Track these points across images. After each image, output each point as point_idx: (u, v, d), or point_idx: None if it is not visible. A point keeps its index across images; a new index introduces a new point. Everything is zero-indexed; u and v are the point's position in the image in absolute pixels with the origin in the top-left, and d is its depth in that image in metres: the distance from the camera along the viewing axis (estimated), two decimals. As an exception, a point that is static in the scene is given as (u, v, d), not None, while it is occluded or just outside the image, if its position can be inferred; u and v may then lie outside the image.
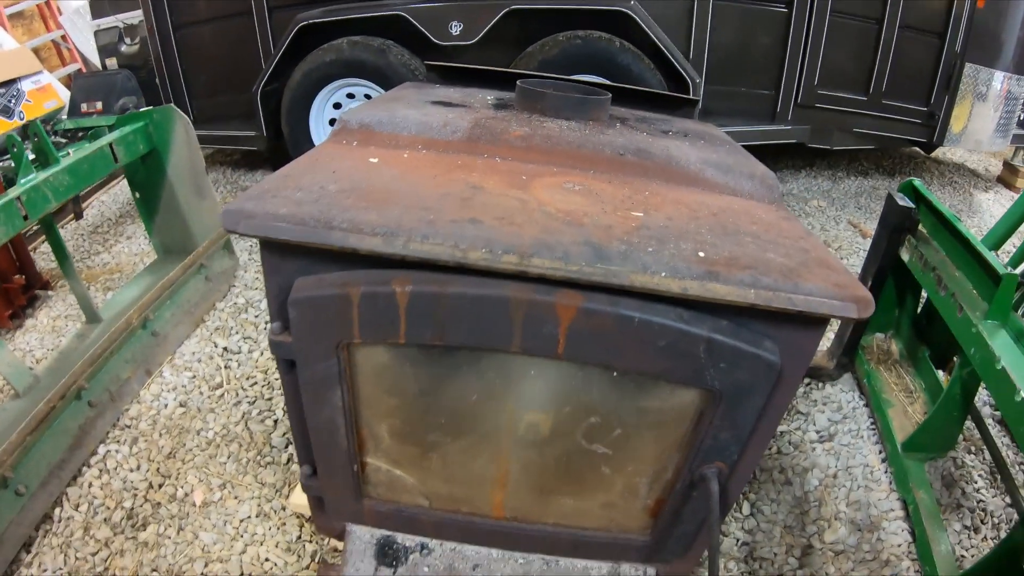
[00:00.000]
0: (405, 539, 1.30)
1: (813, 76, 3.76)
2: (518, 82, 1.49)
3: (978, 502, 1.89)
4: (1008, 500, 1.89)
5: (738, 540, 1.78)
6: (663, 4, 3.50)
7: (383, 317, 0.89)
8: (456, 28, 3.37)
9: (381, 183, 1.00)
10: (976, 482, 1.95)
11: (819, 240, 1.08)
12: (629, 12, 3.24)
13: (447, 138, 1.28)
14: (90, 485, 1.88)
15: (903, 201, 2.04)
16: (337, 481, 1.16)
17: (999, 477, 1.96)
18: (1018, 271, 1.94)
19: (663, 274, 0.82)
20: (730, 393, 0.94)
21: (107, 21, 5.14)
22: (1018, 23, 3.86)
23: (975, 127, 3.99)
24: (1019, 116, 4.48)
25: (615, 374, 0.96)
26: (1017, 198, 2.30)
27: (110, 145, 2.30)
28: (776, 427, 1.06)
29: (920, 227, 2.03)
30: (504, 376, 1.01)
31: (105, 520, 1.78)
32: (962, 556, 1.74)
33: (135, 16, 4.98)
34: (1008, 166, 4.85)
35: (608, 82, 3.21)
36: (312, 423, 1.05)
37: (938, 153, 5.30)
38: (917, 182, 2.06)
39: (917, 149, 5.05)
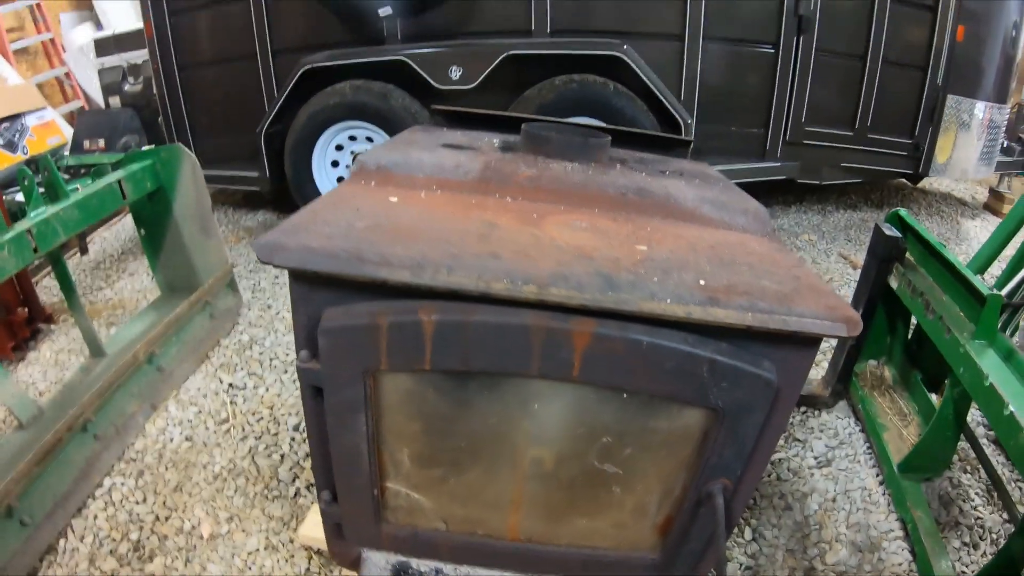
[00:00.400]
0: (420, 564, 1.33)
1: (800, 114, 3.91)
2: (523, 126, 1.58)
3: (976, 519, 1.93)
4: (1005, 516, 1.94)
5: (741, 564, 1.81)
6: (655, 47, 3.65)
7: (410, 345, 0.95)
8: (456, 73, 3.50)
9: (403, 220, 1.07)
10: (973, 500, 2.00)
11: (810, 269, 1.16)
12: (622, 56, 3.38)
13: (460, 179, 1.36)
14: (95, 517, 1.90)
15: (890, 231, 2.12)
16: (357, 506, 1.20)
17: (995, 494, 2.01)
18: (1003, 293, 2.02)
19: (668, 301, 0.89)
20: (732, 411, 1.00)
21: (111, 60, 5.29)
22: (997, 54, 4.04)
23: (960, 156, 4.13)
24: (1002, 143, 4.64)
25: (625, 396, 1.02)
26: (1000, 223, 2.39)
27: (119, 182, 2.36)
28: (776, 443, 1.11)
29: (907, 255, 2.11)
30: (521, 400, 1.07)
31: (111, 552, 1.79)
32: (962, 572, 1.78)
33: (139, 56, 5.13)
34: (994, 193, 4.99)
35: (603, 124, 3.33)
36: (336, 448, 1.10)
37: (925, 184, 5.46)
38: (903, 212, 2.15)
39: (904, 181, 5.20)
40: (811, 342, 1.01)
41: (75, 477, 1.91)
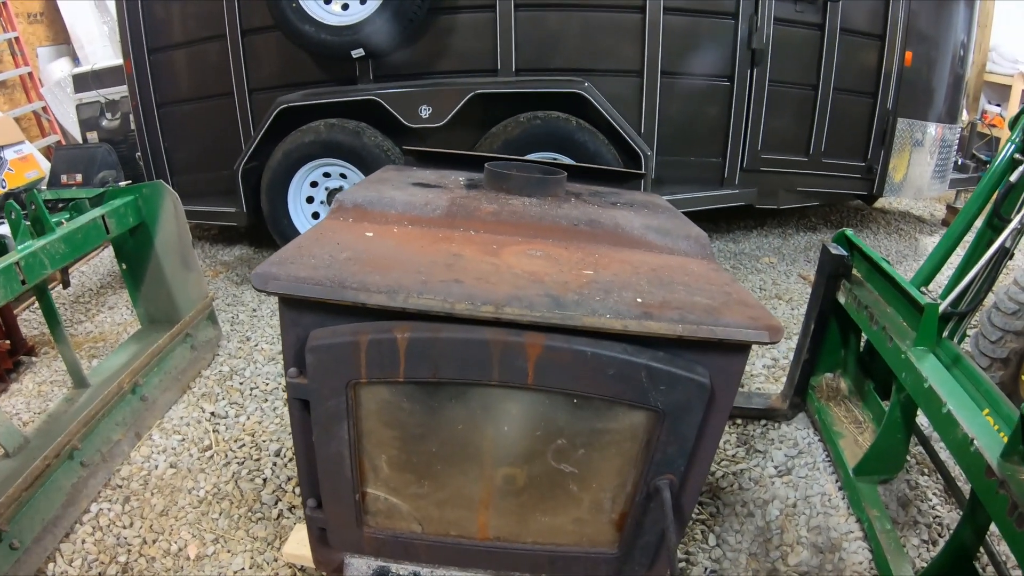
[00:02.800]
0: (399, 568, 1.44)
1: (757, 142, 4.12)
2: (486, 165, 1.74)
3: (934, 518, 2.04)
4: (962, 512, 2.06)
5: (706, 568, 1.90)
6: (615, 83, 3.84)
7: (386, 359, 1.08)
8: (425, 111, 3.66)
9: (379, 252, 1.21)
10: (931, 499, 2.11)
11: (742, 286, 1.32)
12: (584, 93, 3.57)
13: (428, 215, 1.51)
14: (83, 541, 1.94)
15: (836, 250, 2.26)
16: (340, 511, 1.32)
17: (951, 492, 2.12)
18: (947, 302, 2.16)
19: (608, 316, 1.04)
20: (671, 411, 1.15)
21: (89, 95, 5.36)
22: (945, 75, 4.31)
23: (914, 176, 4.36)
24: (956, 161, 4.88)
25: (575, 401, 1.16)
26: (943, 235, 2.53)
27: (102, 217, 2.44)
28: (717, 441, 1.26)
29: (854, 272, 2.25)
30: (485, 408, 1.21)
31: (99, 575, 1.85)
32: (921, 567, 1.87)
33: (117, 92, 5.20)
34: (951, 209, 5.19)
35: (567, 158, 3.51)
36: (321, 456, 1.22)
37: (884, 203, 5.67)
38: (849, 232, 2.29)
39: (861, 202, 5.42)
40: (740, 349, 1.16)
41: (63, 503, 1.96)
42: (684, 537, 1.99)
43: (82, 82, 5.42)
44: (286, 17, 3.50)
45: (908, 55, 4.07)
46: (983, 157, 5.46)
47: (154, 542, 1.97)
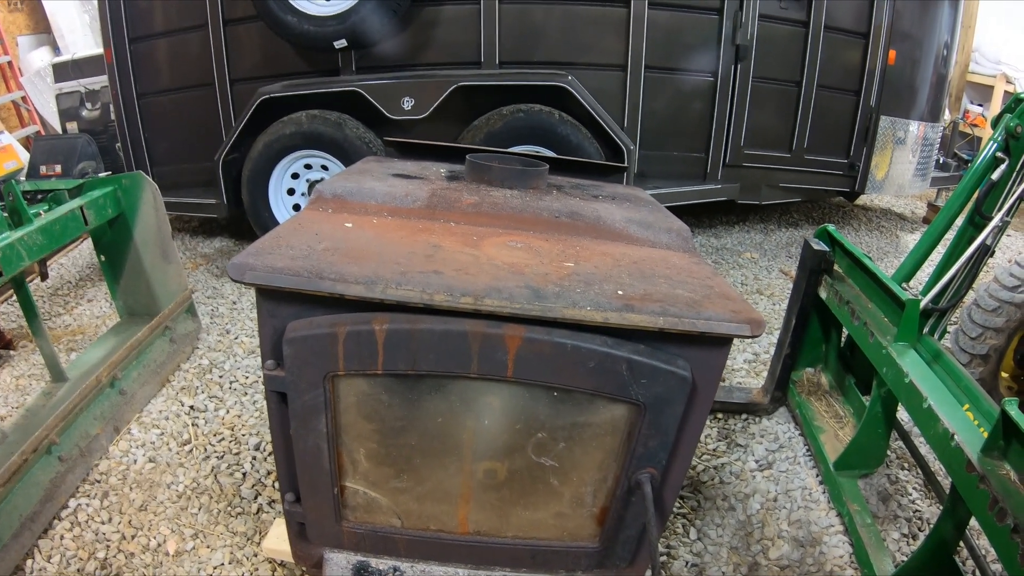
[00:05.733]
0: (379, 563, 1.43)
1: (740, 138, 4.15)
2: (468, 157, 1.73)
3: (914, 512, 2.07)
4: (941, 506, 2.08)
5: (687, 563, 1.91)
6: (599, 77, 3.85)
7: (364, 351, 1.07)
8: (408, 103, 3.63)
9: (358, 243, 1.20)
10: (911, 494, 2.14)
11: (723, 279, 1.32)
12: (567, 87, 3.56)
13: (408, 206, 1.50)
14: (62, 537, 1.92)
15: (818, 245, 2.28)
16: (319, 505, 1.30)
17: (931, 487, 2.15)
18: (928, 298, 2.18)
19: (588, 308, 1.03)
20: (652, 404, 1.14)
21: (69, 85, 5.28)
22: (928, 74, 4.35)
23: (896, 173, 4.41)
24: (938, 159, 4.94)
25: (555, 394, 1.16)
26: (924, 231, 2.55)
27: (81, 208, 2.41)
28: (699, 436, 1.26)
29: (836, 267, 2.27)
30: (464, 401, 1.20)
31: (78, 571, 1.83)
32: (902, 561, 1.88)
33: (97, 81, 5.14)
34: (932, 207, 5.26)
35: (549, 151, 3.49)
36: (299, 449, 1.21)
37: (866, 200, 5.74)
38: (831, 228, 2.31)
39: (843, 199, 5.47)
40: (722, 342, 1.16)
41: (41, 498, 1.94)
42: (665, 531, 2.00)
43: (62, 71, 5.34)
44: (269, 7, 3.46)
45: (892, 53, 4.11)
46: (964, 156, 5.53)
47: (133, 537, 1.95)
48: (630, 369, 1.09)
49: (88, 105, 5.00)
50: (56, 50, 6.46)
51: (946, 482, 2.12)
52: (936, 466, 2.21)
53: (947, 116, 5.37)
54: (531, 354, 1.08)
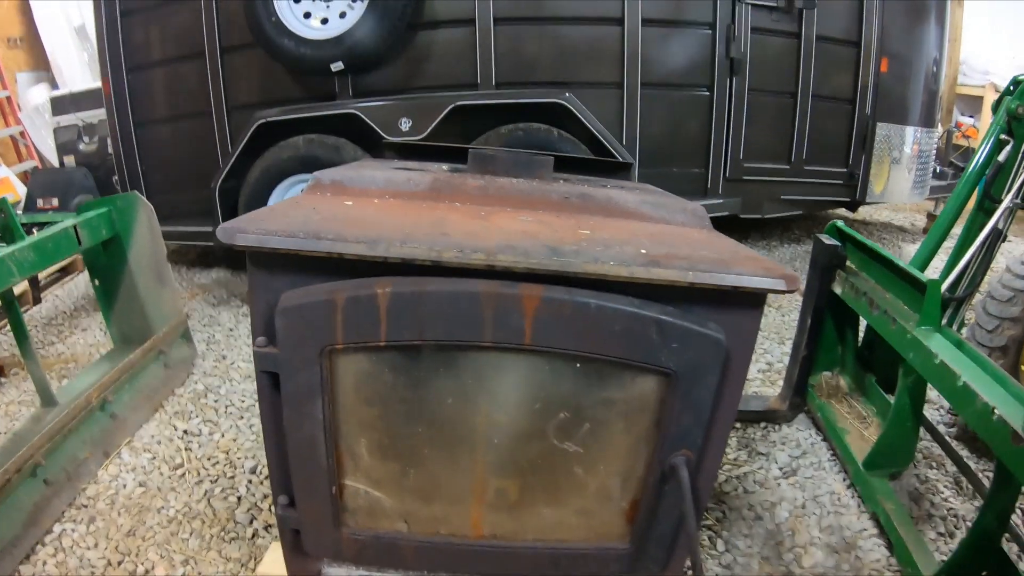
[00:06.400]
0: (383, 576, 1.30)
1: (738, 152, 4.11)
2: (470, 150, 1.66)
3: (948, 510, 1.98)
4: (977, 503, 1.98)
5: (717, 575, 1.81)
6: (595, 95, 3.82)
7: (366, 319, 0.97)
8: (405, 125, 3.60)
9: (360, 215, 1.11)
10: (942, 492, 2.05)
11: (748, 248, 1.23)
12: (565, 103, 3.52)
13: (411, 190, 1.42)
14: (44, 563, 1.81)
15: (829, 241, 2.24)
16: (315, 507, 1.18)
17: (963, 483, 2.06)
18: (943, 287, 2.13)
19: (611, 263, 0.94)
20: (685, 373, 1.04)
21: (67, 119, 5.31)
22: (921, 82, 4.36)
23: (894, 183, 4.39)
24: (935, 168, 4.94)
25: (579, 365, 1.06)
26: (935, 222, 2.52)
27: (74, 227, 2.35)
28: (734, 415, 1.15)
29: (848, 262, 2.22)
30: (477, 378, 1.09)
31: (61, 599, 1.71)
32: (942, 561, 1.77)
33: (94, 115, 5.16)
34: (932, 217, 5.22)
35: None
36: (292, 441, 1.09)
37: (865, 214, 5.73)
38: (840, 223, 2.27)
39: (844, 212, 5.45)
40: (754, 302, 1.07)
41: (24, 522, 1.83)
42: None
43: (60, 105, 5.38)
44: (264, 31, 3.46)
45: (884, 60, 4.12)
46: (961, 165, 5.54)
47: (119, 564, 1.83)
48: (660, 331, 0.99)
49: (86, 139, 5.01)
50: (54, 86, 6.53)
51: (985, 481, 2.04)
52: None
53: (940, 128, 5.40)
54: (550, 316, 0.98)
